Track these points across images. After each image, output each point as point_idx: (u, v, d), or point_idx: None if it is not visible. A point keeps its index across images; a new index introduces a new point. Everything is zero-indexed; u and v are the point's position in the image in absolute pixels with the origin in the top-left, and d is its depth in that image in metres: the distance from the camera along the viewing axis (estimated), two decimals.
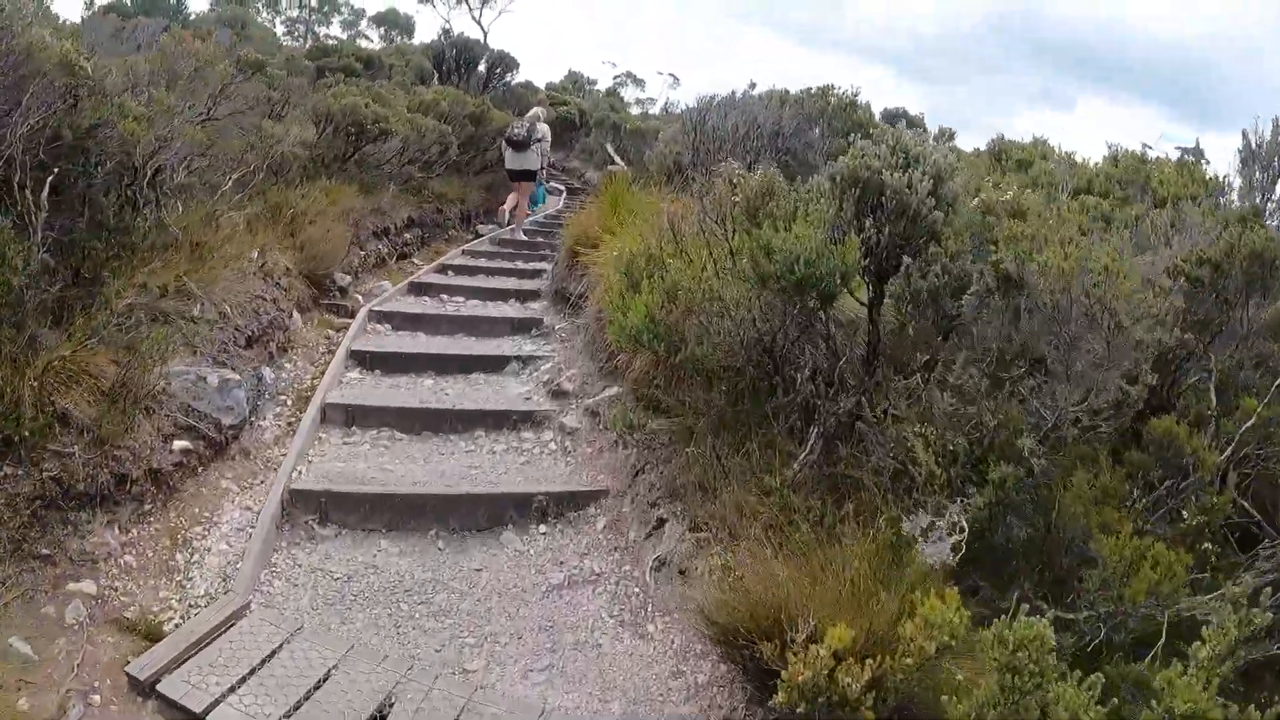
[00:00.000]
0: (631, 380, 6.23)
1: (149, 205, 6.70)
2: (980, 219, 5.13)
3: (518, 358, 7.85)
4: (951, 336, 4.83)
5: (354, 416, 6.51)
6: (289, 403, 7.13)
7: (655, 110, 38.95)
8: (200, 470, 5.58)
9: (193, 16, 28.47)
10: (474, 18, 40.61)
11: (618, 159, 17.73)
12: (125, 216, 6.07)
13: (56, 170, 5.08)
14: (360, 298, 9.65)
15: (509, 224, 14.44)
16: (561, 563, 5.08)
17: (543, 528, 5.41)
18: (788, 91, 11.32)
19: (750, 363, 5.27)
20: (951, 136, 15.01)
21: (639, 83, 45.31)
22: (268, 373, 7.34)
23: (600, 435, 6.26)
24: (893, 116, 15.49)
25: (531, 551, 5.19)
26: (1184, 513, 4.14)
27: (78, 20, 26.41)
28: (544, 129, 14.58)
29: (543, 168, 14.86)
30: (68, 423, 4.86)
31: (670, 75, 45.68)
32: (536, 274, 11.26)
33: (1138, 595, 3.86)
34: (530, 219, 15.79)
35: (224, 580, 4.70)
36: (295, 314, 8.58)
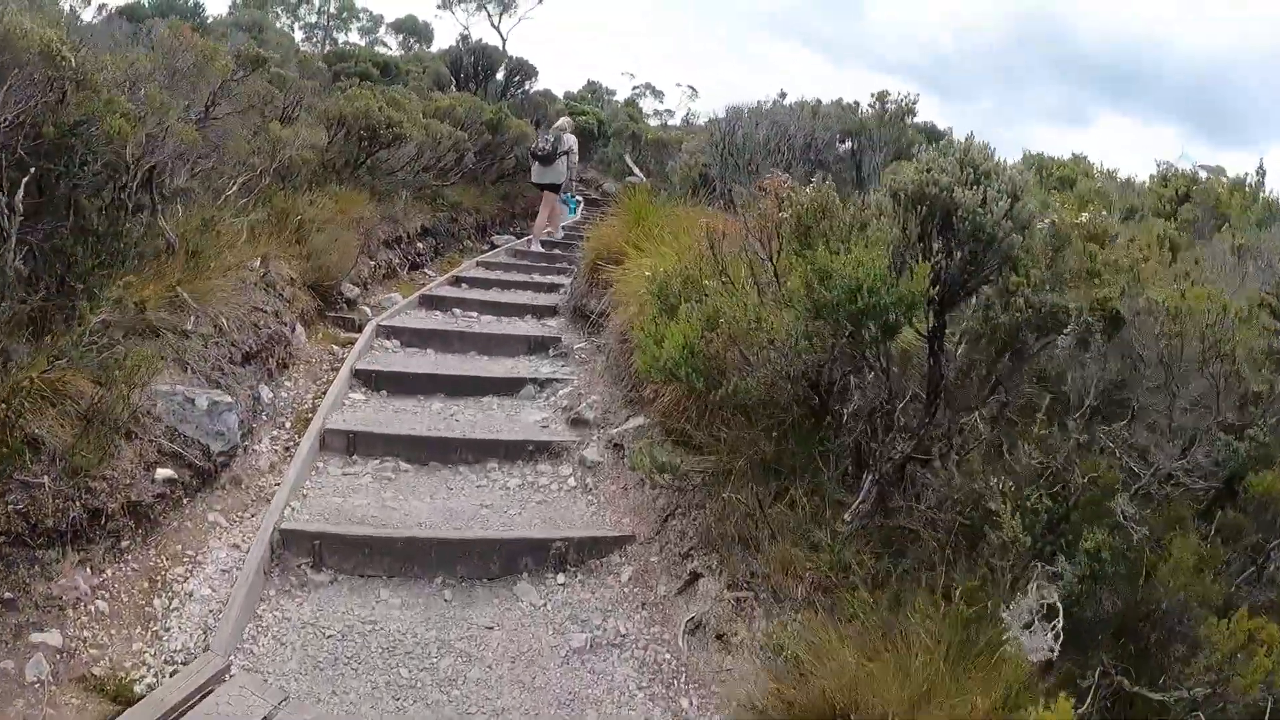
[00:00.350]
0: (659, 411, 5.70)
1: (143, 209, 6.22)
2: (1058, 242, 4.59)
3: (534, 380, 7.32)
4: (1023, 374, 4.30)
5: (356, 444, 5.98)
6: (287, 425, 6.62)
7: (674, 121, 38.55)
8: (185, 501, 5.06)
9: (210, 19, 28.07)
10: (493, 24, 40.34)
11: (636, 170, 17.32)
12: (114, 221, 5.58)
13: (34, 170, 4.58)
14: (368, 310, 9.15)
15: (538, 238, 14.23)
16: (583, 621, 4.53)
17: (561, 577, 4.86)
18: (819, 102, 10.82)
19: (795, 398, 4.74)
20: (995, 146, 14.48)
21: (657, 94, 44.93)
22: (265, 392, 6.85)
23: (624, 471, 5.72)
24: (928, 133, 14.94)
25: (549, 606, 4.64)
26: None
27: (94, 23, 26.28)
28: (571, 140, 14.36)
29: (570, 180, 14.66)
30: (39, 449, 4.35)
31: (689, 87, 45.23)
32: (554, 288, 10.74)
33: (1251, 686, 3.31)
34: (546, 230, 15.30)
35: (204, 633, 4.17)
36: (298, 327, 8.09)
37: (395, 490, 5.51)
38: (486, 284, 10.92)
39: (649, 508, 5.27)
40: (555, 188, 14.29)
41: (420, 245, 12.37)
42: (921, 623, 3.58)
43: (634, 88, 44.28)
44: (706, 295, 4.64)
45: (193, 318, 6.47)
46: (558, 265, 12.86)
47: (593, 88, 38.23)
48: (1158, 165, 10.85)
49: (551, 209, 14.44)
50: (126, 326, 5.30)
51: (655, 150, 17.34)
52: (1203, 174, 10.46)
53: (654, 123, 38.71)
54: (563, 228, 16.52)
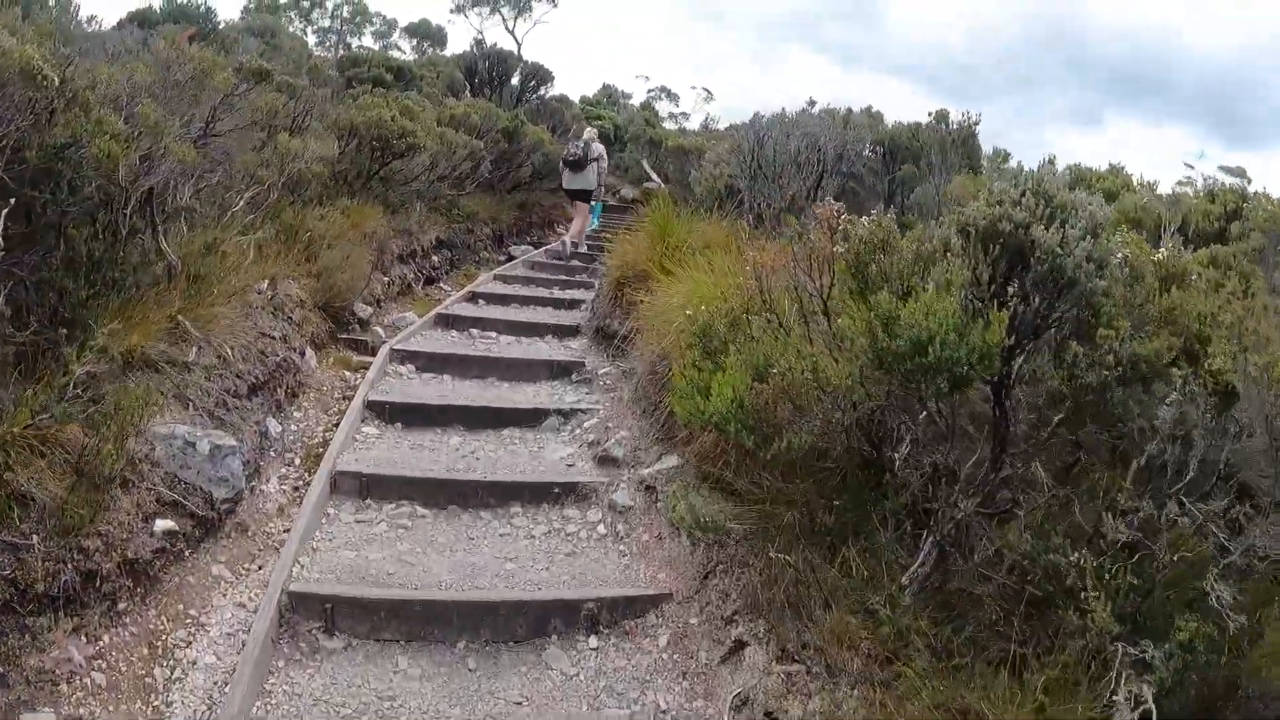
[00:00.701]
0: (695, 453, 5.31)
1: (141, 233, 5.87)
2: (1132, 279, 4.19)
3: (558, 411, 6.93)
4: (1089, 425, 3.90)
5: (369, 486, 5.59)
6: (297, 461, 6.27)
7: (691, 125, 38.21)
8: (187, 554, 4.69)
9: (222, 25, 27.79)
10: (507, 28, 40.16)
11: (654, 176, 16.99)
12: (108, 248, 5.22)
13: (14, 200, 4.21)
14: (382, 331, 8.80)
15: (569, 241, 14.47)
16: (619, 694, 4.13)
17: (594, 641, 4.46)
18: (850, 111, 10.44)
19: (848, 449, 4.36)
20: (1006, 157, 14.04)
21: (672, 97, 44.63)
22: (274, 425, 6.50)
23: (658, 518, 5.32)
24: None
25: (581, 676, 4.24)
26: None
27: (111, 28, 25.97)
28: (600, 149, 14.66)
29: (599, 186, 14.88)
30: (28, 506, 4.00)
31: (704, 90, 44.94)
32: (575, 305, 10.37)
33: None
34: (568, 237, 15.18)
35: (209, 708, 3.82)
36: (308, 351, 7.74)
37: (412, 542, 5.11)
38: (505, 300, 10.54)
39: (686, 561, 4.88)
40: (586, 194, 14.54)
41: (435, 258, 12.01)
42: (993, 708, 3.22)
43: (649, 91, 43.99)
44: (754, 339, 4.26)
45: (195, 348, 6.13)
46: (578, 278, 12.50)
47: (608, 91, 37.97)
48: (1188, 170, 10.43)
49: (584, 215, 14.74)
50: (120, 368, 4.93)
51: (675, 157, 16.95)
52: (1225, 178, 10.01)
53: (670, 126, 38.42)
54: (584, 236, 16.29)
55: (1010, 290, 3.73)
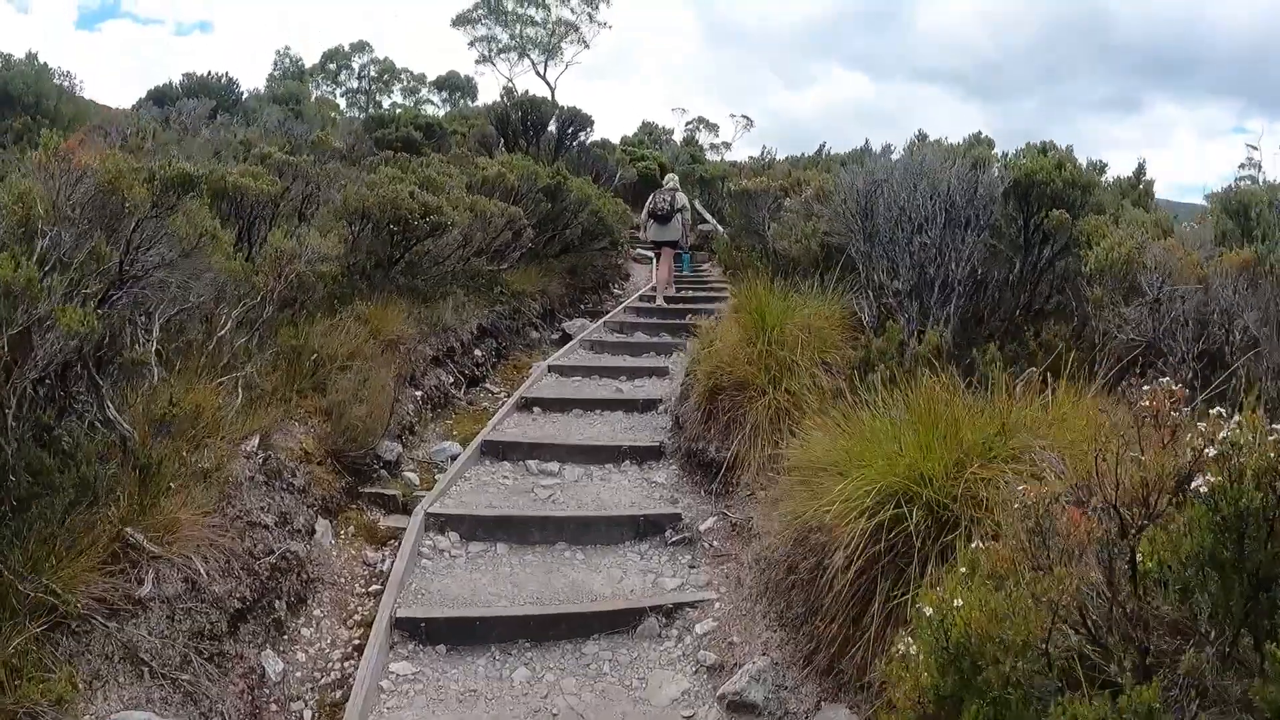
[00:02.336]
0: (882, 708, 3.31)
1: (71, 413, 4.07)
2: None
3: (657, 610, 4.94)
4: None
5: None
6: (307, 716, 4.41)
7: (733, 156, 36.38)
8: None
9: (245, 95, 26.55)
10: (538, 73, 38.63)
11: (709, 217, 15.23)
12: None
13: None
14: (415, 476, 6.89)
15: (660, 294, 14.30)
16: None
17: None
18: (986, 137, 8.43)
19: None
20: (1103, 169, 11.52)
21: (711, 127, 42.99)
22: (272, 663, 4.68)
23: None
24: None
25: None
26: None
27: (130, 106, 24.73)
28: (684, 199, 14.57)
29: (685, 235, 14.75)
30: None
31: (743, 117, 43.05)
32: (650, 406, 8.39)
33: None
34: (637, 295, 15.01)
35: None
36: (319, 523, 5.89)
37: None
38: (565, 405, 8.57)
39: None
40: (674, 244, 14.48)
41: (478, 352, 10.13)
42: None
43: (688, 123, 42.38)
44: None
45: (151, 574, 4.32)
46: (643, 359, 10.57)
47: (648, 129, 36.28)
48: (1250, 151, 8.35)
49: (669, 264, 14.55)
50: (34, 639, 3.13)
51: (739, 200, 15.06)
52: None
53: (713, 157, 36.61)
54: (640, 296, 14.55)
55: None
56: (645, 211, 14.54)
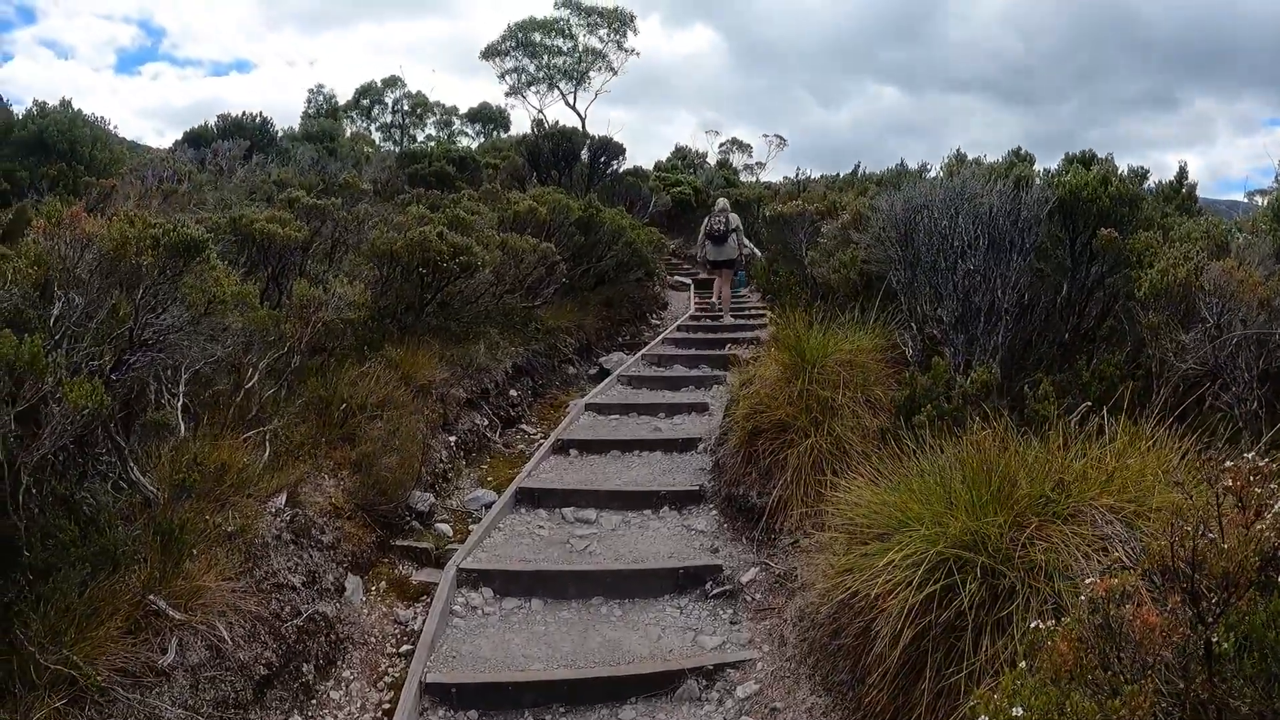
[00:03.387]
0: None
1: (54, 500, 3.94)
2: None
3: (697, 673, 4.71)
4: None
5: None
6: None
7: (767, 176, 36.18)
8: None
9: (279, 134, 26.80)
10: (568, 103, 38.63)
11: (746, 242, 14.96)
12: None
13: None
14: (447, 528, 6.72)
15: (719, 309, 15.23)
16: None
17: None
18: (1027, 153, 8.17)
19: None
20: (1144, 176, 10.98)
21: (744, 148, 42.70)
22: None
23: None
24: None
25: None
26: None
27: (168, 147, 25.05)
28: (736, 219, 14.90)
29: (741, 254, 14.96)
30: None
31: (776, 137, 42.66)
32: (689, 445, 8.17)
33: None
34: (675, 325, 15.04)
35: None
36: (349, 580, 5.74)
37: None
38: (603, 447, 8.36)
39: None
40: (730, 263, 14.86)
41: (513, 392, 9.96)
42: None
43: (720, 145, 42.16)
44: None
45: (174, 643, 4.20)
46: (682, 394, 10.34)
47: (681, 154, 36.17)
48: None
49: (728, 284, 15.10)
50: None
51: (775, 226, 14.87)
52: None
53: (746, 178, 36.41)
54: (679, 326, 14.49)
55: None
56: (702, 233, 14.87)
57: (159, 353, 4.28)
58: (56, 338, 3.82)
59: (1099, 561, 2.83)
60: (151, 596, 4.18)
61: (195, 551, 4.49)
